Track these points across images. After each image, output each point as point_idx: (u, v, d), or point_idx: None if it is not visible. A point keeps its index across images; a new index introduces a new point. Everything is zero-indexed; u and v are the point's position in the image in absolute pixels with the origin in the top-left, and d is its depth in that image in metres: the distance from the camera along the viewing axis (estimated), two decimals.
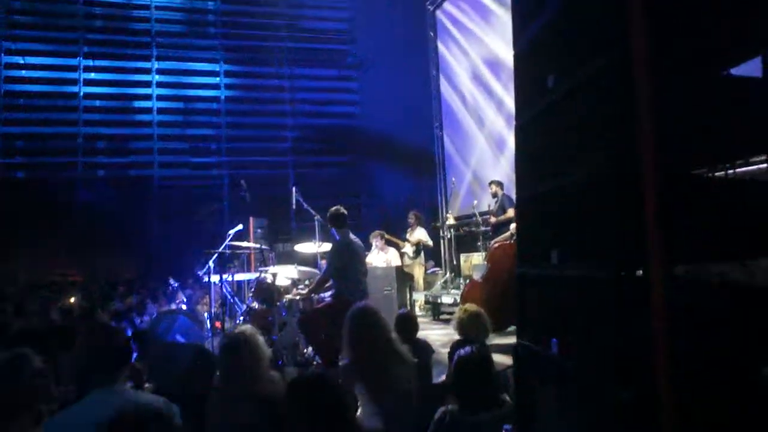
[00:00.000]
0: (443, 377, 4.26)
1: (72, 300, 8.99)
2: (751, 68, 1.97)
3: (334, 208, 5.63)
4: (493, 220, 8.17)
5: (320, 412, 1.96)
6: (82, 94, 13.42)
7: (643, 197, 1.62)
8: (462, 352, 2.78)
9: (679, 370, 1.55)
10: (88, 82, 13.58)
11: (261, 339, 3.00)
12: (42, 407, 2.54)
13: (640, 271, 1.64)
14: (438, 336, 6.35)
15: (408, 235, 9.62)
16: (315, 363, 5.42)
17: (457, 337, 4.07)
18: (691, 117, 1.75)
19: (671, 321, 1.56)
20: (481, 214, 9.03)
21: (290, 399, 2.06)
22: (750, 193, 1.83)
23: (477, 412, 2.60)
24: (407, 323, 4.25)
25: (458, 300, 6.78)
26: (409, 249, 9.45)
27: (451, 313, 7.24)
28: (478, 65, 11.17)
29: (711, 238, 1.69)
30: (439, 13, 13.16)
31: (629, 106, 1.67)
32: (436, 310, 8.48)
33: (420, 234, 9.51)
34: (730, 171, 2.18)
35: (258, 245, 7.90)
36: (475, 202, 9.69)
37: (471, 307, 4.09)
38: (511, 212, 7.73)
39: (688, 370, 1.56)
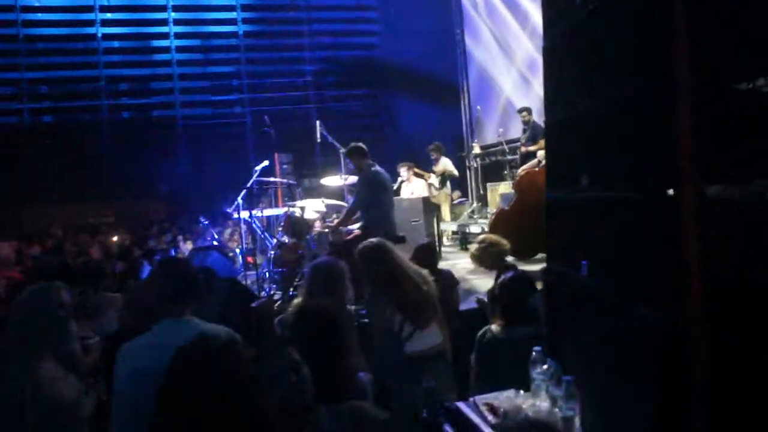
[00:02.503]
0: (474, 304, 4.34)
1: (115, 239, 9.28)
2: None
3: (351, 144, 5.63)
4: (523, 149, 8.02)
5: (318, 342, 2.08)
6: (100, 35, 13.30)
7: (677, 112, 1.56)
8: (507, 274, 2.95)
9: (712, 293, 1.52)
10: (105, 23, 13.43)
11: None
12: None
13: (671, 191, 1.59)
14: (465, 264, 6.40)
15: (434, 167, 9.56)
16: None
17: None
18: (732, 23, 1.66)
19: (705, 243, 1.52)
20: (508, 142, 8.88)
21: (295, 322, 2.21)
22: None
23: (515, 327, 2.72)
24: (426, 252, 4.30)
25: (486, 229, 6.78)
26: (434, 180, 9.41)
27: None
28: None
29: (749, 155, 1.63)
30: None
31: (665, 16, 1.59)
32: (464, 241, 8.51)
33: (445, 164, 9.43)
34: None
35: (285, 180, 7.95)
36: (501, 130, 9.52)
37: (489, 237, 4.12)
38: (542, 142, 7.58)
39: (721, 294, 1.53)
